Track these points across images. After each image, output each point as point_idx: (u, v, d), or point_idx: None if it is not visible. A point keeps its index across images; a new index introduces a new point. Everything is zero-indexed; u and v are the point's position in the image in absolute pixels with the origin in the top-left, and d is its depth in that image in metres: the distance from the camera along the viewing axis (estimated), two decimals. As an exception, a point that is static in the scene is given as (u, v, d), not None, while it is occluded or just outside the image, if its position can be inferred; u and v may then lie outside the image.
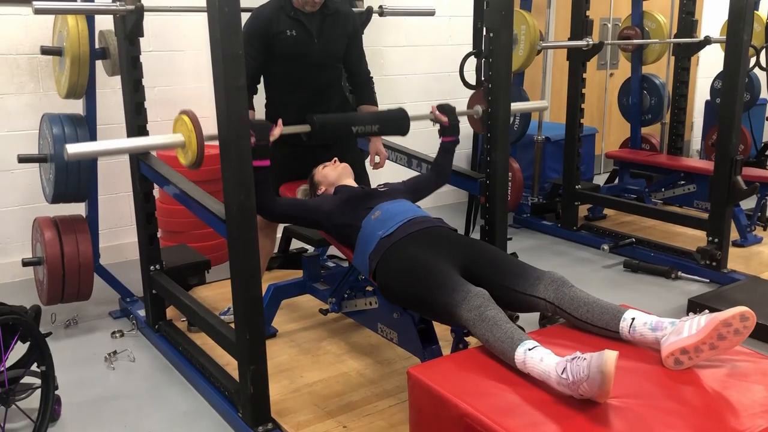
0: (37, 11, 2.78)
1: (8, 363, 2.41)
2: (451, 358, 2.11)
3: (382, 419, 2.53)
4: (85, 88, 3.20)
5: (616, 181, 5.49)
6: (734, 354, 1.90)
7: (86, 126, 3.25)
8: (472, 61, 4.34)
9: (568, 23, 4.76)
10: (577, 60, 4.74)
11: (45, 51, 3.25)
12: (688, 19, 5.17)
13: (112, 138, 3.99)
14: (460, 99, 5.51)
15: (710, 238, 3.99)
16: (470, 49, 4.40)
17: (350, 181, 2.92)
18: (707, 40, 5.07)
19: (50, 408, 2.49)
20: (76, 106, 3.44)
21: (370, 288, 2.78)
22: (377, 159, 3.28)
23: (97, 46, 3.23)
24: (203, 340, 2.98)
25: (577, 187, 4.86)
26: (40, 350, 2.45)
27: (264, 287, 2.64)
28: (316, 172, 2.94)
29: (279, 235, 3.75)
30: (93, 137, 3.28)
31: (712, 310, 1.94)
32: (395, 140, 3.65)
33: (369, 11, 3.58)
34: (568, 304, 2.07)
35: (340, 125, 2.72)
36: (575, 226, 4.88)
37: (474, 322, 1.99)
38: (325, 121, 2.65)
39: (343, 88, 3.38)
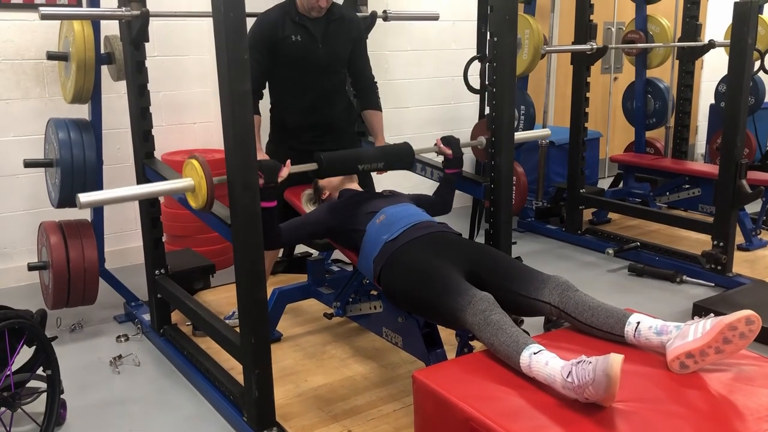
0: (44, 17, 2.79)
1: (14, 367, 2.41)
2: (456, 362, 2.11)
3: (387, 423, 2.53)
4: (90, 93, 3.22)
5: (621, 185, 5.48)
6: (740, 358, 1.90)
7: (92, 131, 3.26)
8: (476, 66, 4.35)
9: (572, 27, 4.76)
10: (581, 64, 4.74)
11: (51, 56, 3.26)
12: (692, 23, 5.17)
13: (118, 142, 4.06)
14: (464, 103, 5.60)
15: (715, 242, 3.98)
16: (474, 53, 4.41)
17: (354, 185, 2.92)
18: (711, 44, 5.07)
19: (56, 412, 2.49)
20: (82, 111, 3.47)
21: (374, 292, 2.78)
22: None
23: (102, 51, 3.25)
24: (208, 344, 2.98)
25: (581, 191, 4.85)
26: (45, 354, 2.46)
27: (269, 291, 2.64)
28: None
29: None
30: (98, 142, 3.30)
31: (718, 313, 1.94)
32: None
33: (373, 16, 3.59)
34: (573, 308, 2.07)
35: (347, 162, 2.76)
36: (580, 230, 4.88)
37: (479, 327, 1.99)
38: (331, 159, 2.70)
39: (348, 92, 3.39)
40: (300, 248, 4.14)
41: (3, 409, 2.36)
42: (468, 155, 5.40)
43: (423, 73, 5.49)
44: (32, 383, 2.48)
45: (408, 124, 5.40)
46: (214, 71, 2.18)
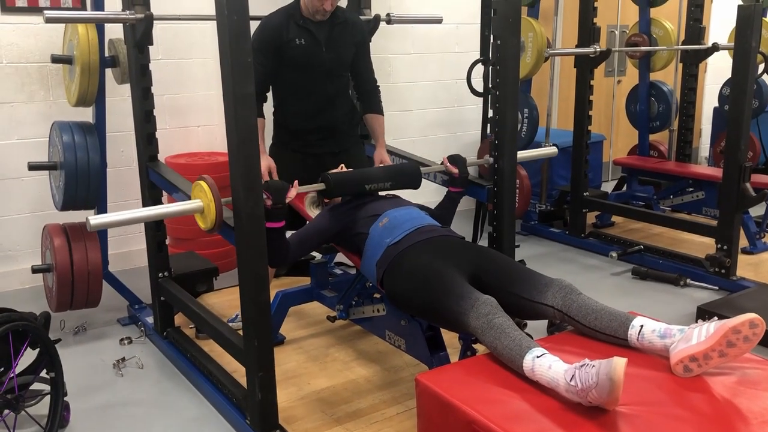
0: (48, 20, 2.80)
1: (18, 369, 2.42)
2: (459, 365, 2.11)
3: (390, 427, 2.53)
4: (94, 96, 3.23)
5: (624, 188, 5.47)
6: (743, 361, 1.89)
7: (96, 134, 3.27)
8: (479, 69, 4.36)
9: (576, 30, 4.76)
10: (585, 67, 4.74)
11: (55, 59, 3.27)
12: (695, 26, 5.17)
13: (122, 145, 4.07)
14: (467, 106, 5.61)
15: (719, 246, 3.98)
16: (477, 56, 4.42)
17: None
18: (715, 47, 5.07)
19: (59, 414, 2.49)
20: (86, 114, 3.47)
21: (377, 295, 2.78)
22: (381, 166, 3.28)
23: (106, 54, 3.26)
24: (211, 347, 2.99)
25: (585, 194, 4.85)
26: (49, 357, 2.47)
27: (272, 294, 2.64)
28: (323, 180, 2.94)
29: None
30: (102, 145, 3.31)
31: (721, 317, 1.93)
32: (399, 146, 3.67)
33: (377, 19, 3.59)
34: (576, 312, 2.07)
35: (354, 182, 2.77)
36: (583, 234, 4.87)
37: (482, 330, 1.98)
38: (339, 179, 2.71)
39: (351, 96, 3.39)
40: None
41: (7, 411, 2.36)
42: (471, 158, 5.41)
43: (426, 77, 5.49)
44: (36, 386, 2.49)
45: (411, 127, 5.40)
46: (218, 74, 2.19)
